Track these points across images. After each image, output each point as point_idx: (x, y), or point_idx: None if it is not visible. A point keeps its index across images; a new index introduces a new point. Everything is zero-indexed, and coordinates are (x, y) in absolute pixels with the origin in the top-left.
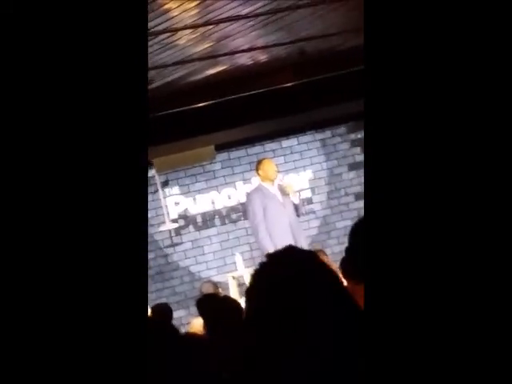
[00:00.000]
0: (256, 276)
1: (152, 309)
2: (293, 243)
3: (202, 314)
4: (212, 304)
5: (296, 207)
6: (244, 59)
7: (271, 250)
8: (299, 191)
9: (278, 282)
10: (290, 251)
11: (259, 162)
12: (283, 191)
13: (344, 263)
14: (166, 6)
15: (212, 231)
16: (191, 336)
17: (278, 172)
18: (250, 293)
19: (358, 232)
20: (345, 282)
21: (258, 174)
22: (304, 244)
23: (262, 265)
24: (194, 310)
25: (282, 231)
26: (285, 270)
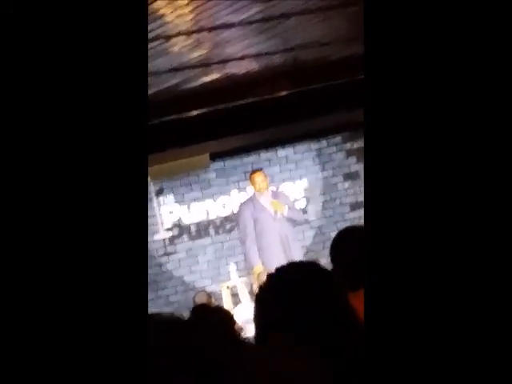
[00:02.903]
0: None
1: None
2: (283, 255)
3: (193, 324)
4: (203, 315)
5: (289, 220)
6: (239, 67)
7: (257, 262)
8: (293, 201)
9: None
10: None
11: (250, 175)
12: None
13: (335, 274)
14: (160, 12)
15: (206, 241)
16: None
17: (271, 182)
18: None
19: (342, 242)
20: None
21: (251, 185)
22: (298, 255)
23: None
24: None
25: (271, 243)
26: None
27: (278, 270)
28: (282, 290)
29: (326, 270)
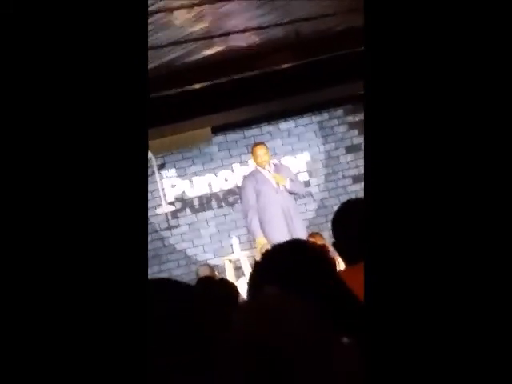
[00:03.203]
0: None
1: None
2: (285, 228)
3: (197, 295)
4: (208, 287)
5: (290, 192)
6: (240, 40)
7: (260, 235)
8: (296, 174)
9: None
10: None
11: (251, 148)
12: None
13: (337, 247)
14: None
15: (209, 214)
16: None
17: (273, 155)
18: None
19: (344, 215)
20: (342, 264)
21: (253, 159)
22: (300, 227)
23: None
24: None
25: (273, 216)
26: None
27: (273, 248)
28: (277, 268)
29: (319, 248)
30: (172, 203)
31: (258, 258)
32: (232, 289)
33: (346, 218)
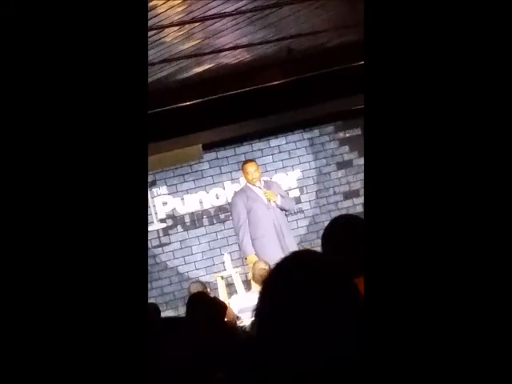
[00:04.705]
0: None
1: None
2: (277, 244)
3: (188, 312)
4: (199, 303)
5: (280, 208)
6: (231, 57)
7: (251, 252)
8: (286, 191)
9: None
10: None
11: (242, 165)
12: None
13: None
14: (152, 3)
15: (200, 231)
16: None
17: (264, 172)
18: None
19: (333, 232)
20: None
21: (243, 176)
22: (292, 244)
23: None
24: (182, 310)
25: (265, 232)
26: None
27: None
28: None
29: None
30: (163, 220)
31: (251, 275)
32: (221, 307)
33: (336, 235)
